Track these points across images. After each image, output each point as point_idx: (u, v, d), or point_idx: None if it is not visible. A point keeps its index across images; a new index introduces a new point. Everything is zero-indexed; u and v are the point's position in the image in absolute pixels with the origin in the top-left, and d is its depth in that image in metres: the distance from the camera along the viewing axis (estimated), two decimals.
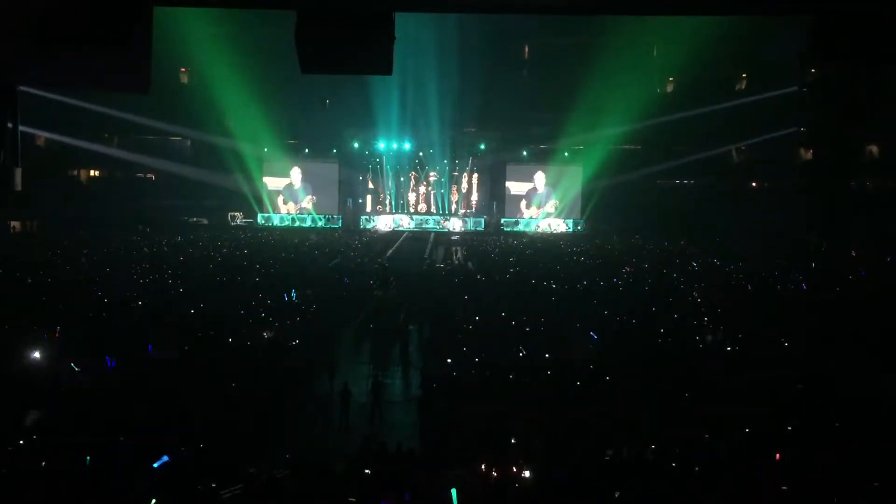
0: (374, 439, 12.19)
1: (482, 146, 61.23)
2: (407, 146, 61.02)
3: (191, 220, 57.43)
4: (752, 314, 20.57)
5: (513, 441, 10.91)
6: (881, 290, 25.07)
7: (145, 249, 37.02)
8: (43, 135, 51.92)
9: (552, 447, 10.73)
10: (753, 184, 58.54)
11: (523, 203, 61.17)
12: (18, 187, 4.65)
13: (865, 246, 38.60)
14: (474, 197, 62.47)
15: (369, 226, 59.39)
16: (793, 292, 26.41)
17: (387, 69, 4.32)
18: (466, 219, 60.49)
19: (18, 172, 4.69)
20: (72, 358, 13.99)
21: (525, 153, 61.94)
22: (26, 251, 34.99)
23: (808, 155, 51.76)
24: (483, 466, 9.70)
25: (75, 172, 58.90)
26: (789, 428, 10.94)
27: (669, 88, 59.16)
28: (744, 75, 57.50)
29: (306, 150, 61.72)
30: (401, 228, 57.96)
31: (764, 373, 14.21)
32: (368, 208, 62.16)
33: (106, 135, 57.28)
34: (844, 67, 36.31)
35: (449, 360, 16.00)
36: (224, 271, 28.78)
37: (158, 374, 13.96)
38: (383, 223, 59.45)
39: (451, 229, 58.00)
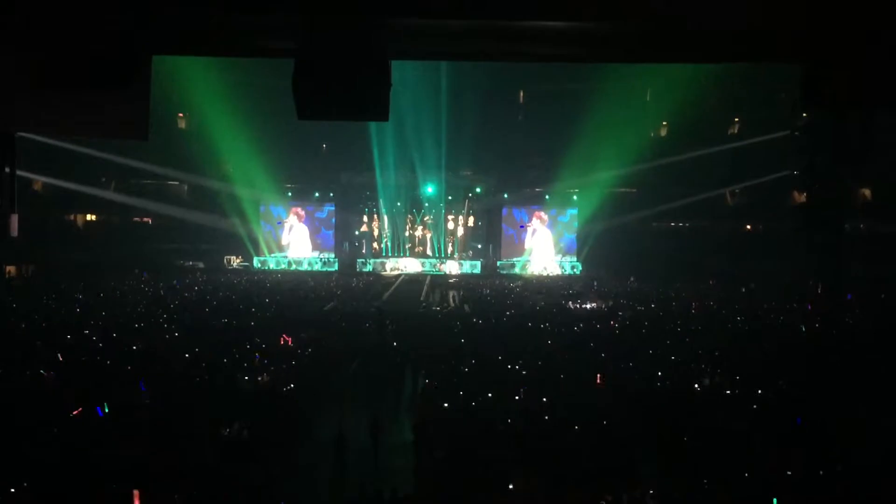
0: (370, 485, 12.06)
1: (478, 189, 61.61)
2: (403, 189, 61.35)
3: (187, 263, 57.40)
4: (749, 357, 20.50)
5: (510, 487, 10.80)
6: (877, 333, 25.06)
7: (139, 296, 36.84)
8: (40, 179, 52.09)
9: (550, 493, 10.61)
10: (748, 226, 58.78)
11: (519, 246, 61.36)
12: (15, 233, 4.64)
13: (860, 288, 38.66)
14: (470, 240, 62.65)
15: (367, 269, 59.41)
16: (790, 335, 26.36)
17: (383, 116, 4.34)
18: (463, 261, 60.56)
19: (15, 219, 4.68)
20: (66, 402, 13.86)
21: (521, 196, 62.30)
22: (21, 296, 34.88)
23: (801, 198, 52.07)
24: None
25: (72, 217, 58.98)
26: (788, 473, 10.84)
27: (663, 132, 59.72)
28: (736, 119, 58.09)
29: (303, 194, 62.08)
30: (401, 272, 57.96)
31: (762, 416, 14.13)
32: (364, 251, 62.33)
33: (103, 179, 57.47)
34: (835, 114, 36.73)
35: (445, 405, 15.87)
36: (219, 315, 28.69)
37: (152, 419, 13.81)
38: (390, 266, 59.55)
39: (447, 272, 58.02)
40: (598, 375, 17.73)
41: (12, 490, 10.09)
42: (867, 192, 49.42)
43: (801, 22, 4.04)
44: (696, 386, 17.49)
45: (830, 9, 4.02)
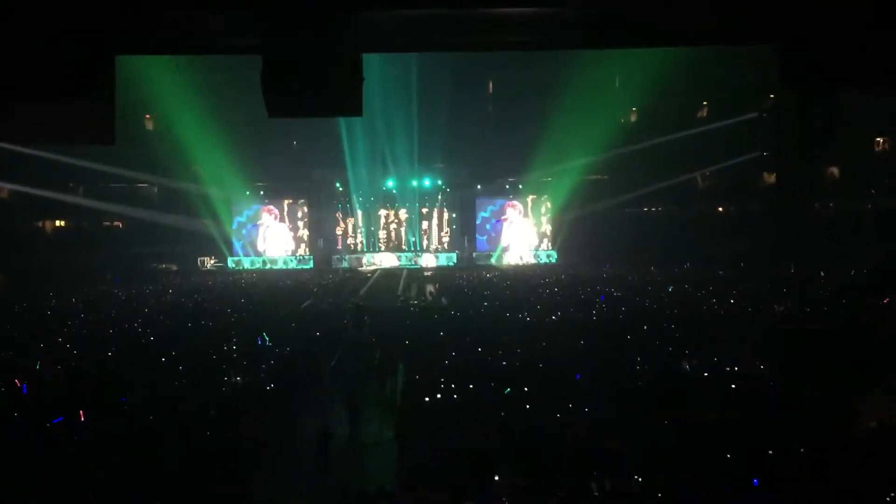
0: (353, 483, 11.98)
1: (451, 181, 61.60)
2: (376, 184, 61.23)
3: (160, 266, 56.87)
4: (725, 339, 20.63)
5: (496, 478, 10.76)
6: (850, 311, 25.38)
7: (112, 302, 36.41)
8: (6, 186, 51.29)
9: (536, 483, 10.59)
10: (720, 209, 59.35)
11: (495, 237, 61.53)
12: None
13: (831, 267, 39.14)
14: (445, 232, 62.63)
15: (343, 265, 59.28)
16: (764, 316, 26.59)
17: (356, 111, 4.25)
18: (438, 254, 60.57)
19: None
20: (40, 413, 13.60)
21: (494, 187, 62.46)
22: None
23: (771, 179, 52.65)
24: None
25: (41, 224, 58.16)
26: (770, 452, 10.91)
27: (633, 118, 60.07)
28: (705, 103, 58.55)
29: (274, 192, 61.78)
30: (377, 267, 57.87)
31: (741, 398, 14.22)
32: (339, 247, 62.15)
33: (71, 184, 56.70)
34: (811, 94, 37.06)
35: (426, 399, 15.82)
36: (195, 317, 28.40)
37: (129, 425, 13.60)
38: (366, 262, 59.54)
39: (423, 265, 58.01)
40: (577, 364, 17.74)
41: None
42: (836, 171, 50.04)
43: (776, 2, 4.03)
44: (675, 370, 17.57)
45: None
